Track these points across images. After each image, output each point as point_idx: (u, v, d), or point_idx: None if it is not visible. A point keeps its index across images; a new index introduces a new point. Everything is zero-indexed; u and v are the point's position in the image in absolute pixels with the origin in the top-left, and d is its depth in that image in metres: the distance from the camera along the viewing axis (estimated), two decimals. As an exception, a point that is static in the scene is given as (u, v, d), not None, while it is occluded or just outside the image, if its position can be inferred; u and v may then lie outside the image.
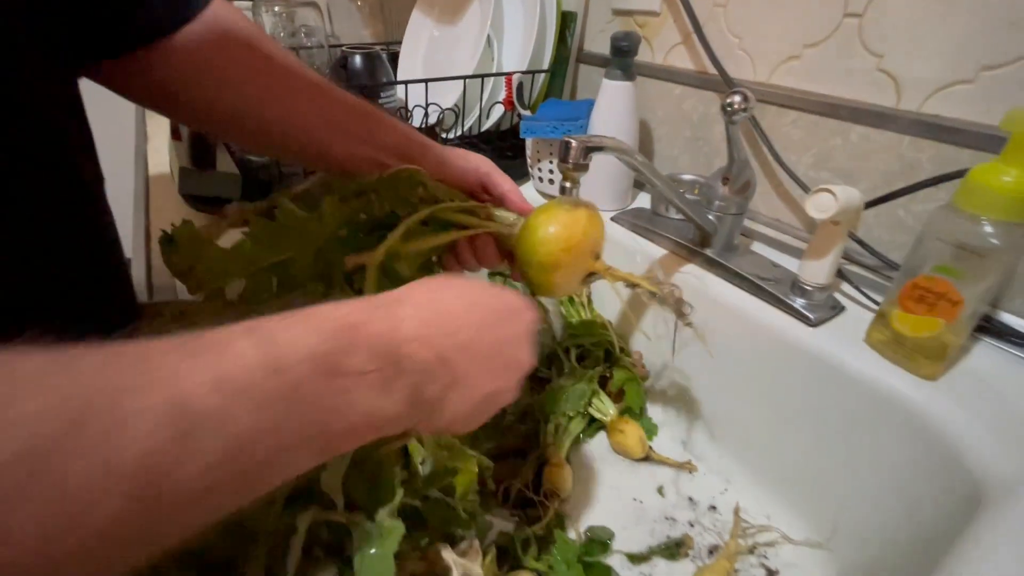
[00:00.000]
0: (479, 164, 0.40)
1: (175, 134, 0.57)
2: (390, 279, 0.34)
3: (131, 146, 0.73)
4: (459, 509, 0.37)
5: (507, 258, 0.39)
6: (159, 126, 0.78)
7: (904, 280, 0.37)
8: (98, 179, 0.31)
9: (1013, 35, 0.38)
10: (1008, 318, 0.40)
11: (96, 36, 0.31)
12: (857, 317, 0.44)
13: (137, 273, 0.45)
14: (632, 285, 0.35)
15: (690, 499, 0.49)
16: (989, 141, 0.39)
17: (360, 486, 0.29)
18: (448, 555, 0.30)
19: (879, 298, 0.44)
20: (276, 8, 0.69)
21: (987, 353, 0.39)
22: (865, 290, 0.44)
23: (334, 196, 0.37)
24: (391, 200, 0.35)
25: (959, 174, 0.37)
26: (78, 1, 0.29)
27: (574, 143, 0.35)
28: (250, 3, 0.70)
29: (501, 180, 0.39)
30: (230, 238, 0.37)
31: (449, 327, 0.24)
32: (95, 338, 0.16)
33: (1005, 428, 0.34)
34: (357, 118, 0.38)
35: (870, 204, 0.43)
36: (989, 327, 0.40)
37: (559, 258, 0.33)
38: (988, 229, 0.32)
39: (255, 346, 0.17)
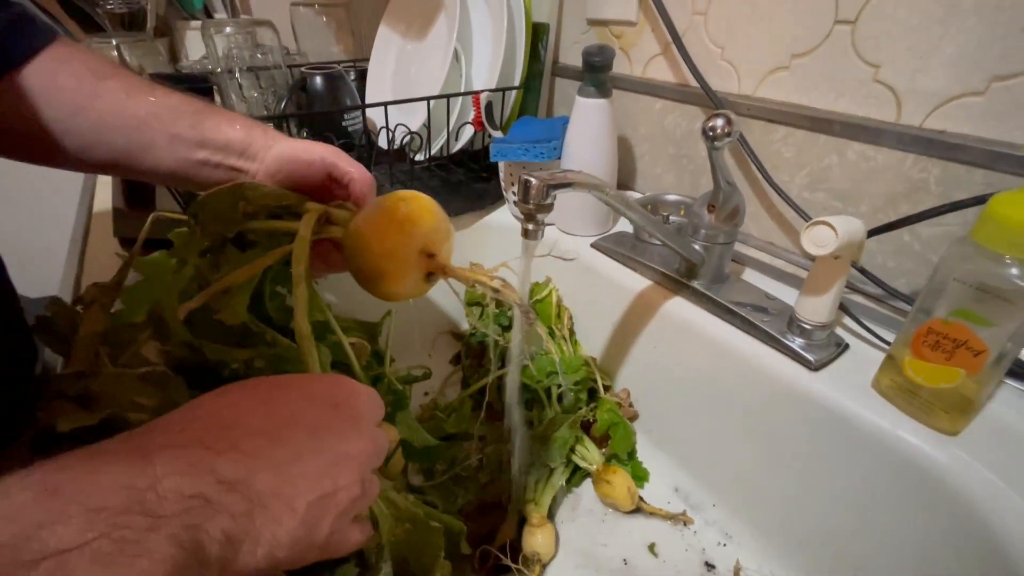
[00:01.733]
0: (324, 154, 0.36)
1: (113, 170, 0.53)
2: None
3: (78, 184, 0.68)
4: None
5: None
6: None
7: (918, 322, 0.32)
8: None
9: (1026, 42, 0.33)
10: None
11: None
12: (863, 356, 0.39)
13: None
14: (472, 285, 0.32)
15: (686, 557, 0.44)
16: (1003, 160, 0.35)
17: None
18: None
19: (884, 333, 0.40)
20: (228, 29, 0.64)
21: (1011, 400, 0.35)
22: (870, 324, 0.40)
23: (181, 230, 0.34)
24: (212, 223, 0.32)
25: (979, 200, 0.33)
26: None
27: (534, 182, 0.30)
28: (199, 27, 0.65)
29: (348, 168, 0.36)
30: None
31: (229, 439, 0.20)
32: None
33: (1042, 496, 0.29)
34: (181, 118, 0.35)
35: (874, 232, 0.38)
36: (1013, 368, 0.35)
37: (381, 266, 0.31)
38: (1015, 270, 0.28)
39: None
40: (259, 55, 0.69)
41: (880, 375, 0.36)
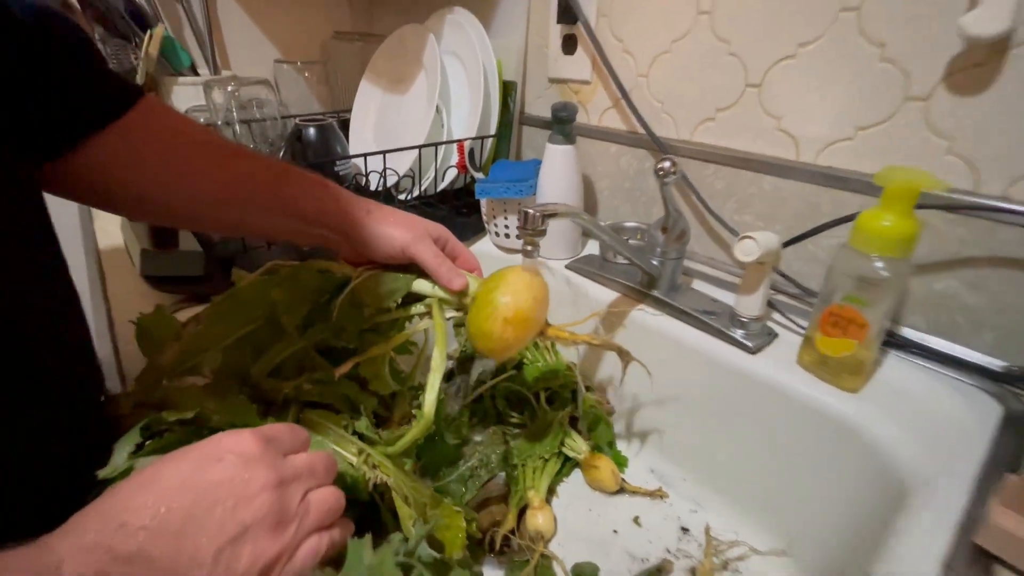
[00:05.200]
0: (401, 241, 0.40)
1: (133, 216, 0.58)
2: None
3: (76, 227, 0.71)
4: (454, 565, 0.39)
5: None
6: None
7: (821, 308, 0.43)
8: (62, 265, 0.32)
9: (876, 103, 0.46)
10: (909, 332, 0.48)
11: (41, 133, 0.32)
12: (789, 342, 0.50)
13: (106, 361, 0.44)
14: (576, 343, 0.40)
15: (664, 525, 0.52)
16: (870, 187, 0.47)
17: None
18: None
19: (804, 323, 0.50)
20: (229, 87, 0.71)
21: (896, 364, 0.46)
22: (792, 317, 0.51)
23: (294, 269, 0.40)
24: (348, 324, 0.40)
25: (852, 217, 0.45)
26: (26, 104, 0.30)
27: (532, 212, 0.39)
28: (186, 82, 0.72)
29: (425, 259, 0.40)
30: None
31: (118, 520, 0.22)
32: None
33: (918, 428, 0.40)
34: (267, 189, 0.38)
35: (787, 244, 0.50)
36: (894, 341, 0.47)
37: (507, 355, 0.39)
38: (879, 264, 0.39)
39: None
40: (254, 108, 0.76)
41: (801, 353, 0.46)
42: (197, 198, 0.38)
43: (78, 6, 0.79)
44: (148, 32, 0.84)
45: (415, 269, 0.42)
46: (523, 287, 0.37)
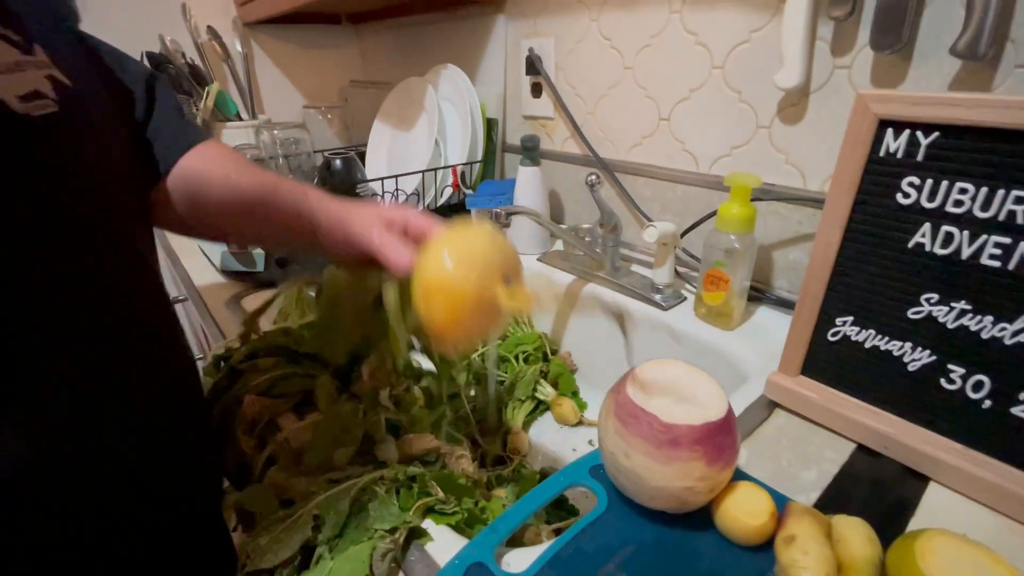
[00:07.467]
0: (356, 236, 0.41)
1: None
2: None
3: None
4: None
5: None
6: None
7: (703, 272, 0.62)
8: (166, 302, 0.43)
9: (741, 130, 0.66)
10: (780, 292, 0.66)
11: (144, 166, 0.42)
12: (691, 301, 0.68)
13: (196, 323, 0.63)
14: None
15: (611, 444, 0.70)
16: (743, 188, 0.66)
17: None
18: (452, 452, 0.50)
19: (706, 289, 0.69)
20: (275, 131, 0.92)
21: (764, 312, 0.64)
22: (696, 285, 0.69)
23: (373, 272, 0.56)
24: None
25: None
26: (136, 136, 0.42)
27: (497, 211, 0.59)
28: (254, 127, 0.93)
29: (368, 246, 0.40)
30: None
31: None
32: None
33: (763, 350, 0.58)
34: (261, 200, 0.45)
35: (685, 232, 0.69)
36: (767, 298, 0.65)
37: (447, 330, 0.32)
38: (732, 238, 0.58)
39: None
40: (292, 145, 0.97)
41: (696, 307, 0.65)
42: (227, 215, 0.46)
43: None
44: (206, 89, 1.07)
45: None
46: (435, 250, 0.30)
